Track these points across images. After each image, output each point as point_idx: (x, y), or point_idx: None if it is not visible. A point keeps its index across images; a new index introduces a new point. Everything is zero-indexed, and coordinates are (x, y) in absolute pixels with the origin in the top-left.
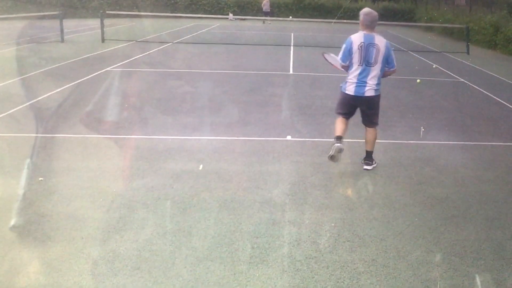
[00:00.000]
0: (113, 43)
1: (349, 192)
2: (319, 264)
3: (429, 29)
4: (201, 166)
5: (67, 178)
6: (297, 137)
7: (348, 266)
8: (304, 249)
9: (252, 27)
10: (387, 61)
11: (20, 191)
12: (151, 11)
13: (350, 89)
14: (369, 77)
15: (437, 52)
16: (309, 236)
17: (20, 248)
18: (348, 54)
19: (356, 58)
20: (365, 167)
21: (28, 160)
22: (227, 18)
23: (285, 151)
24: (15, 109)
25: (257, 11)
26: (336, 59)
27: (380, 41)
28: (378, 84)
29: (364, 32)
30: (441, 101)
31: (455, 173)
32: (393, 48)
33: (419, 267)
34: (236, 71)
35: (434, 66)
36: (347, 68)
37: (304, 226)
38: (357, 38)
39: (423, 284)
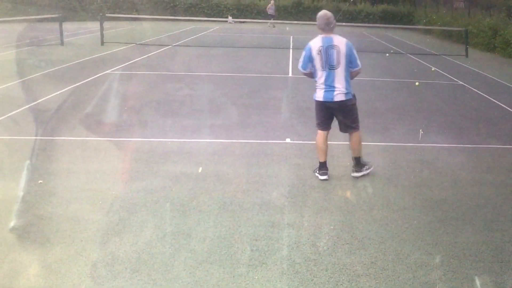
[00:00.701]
0: (113, 46)
1: (348, 194)
2: (318, 267)
3: (427, 32)
4: (200, 169)
5: (67, 181)
6: (296, 140)
7: (347, 268)
8: (303, 252)
9: (251, 30)
10: (350, 61)
11: (20, 194)
12: (151, 14)
13: (320, 96)
14: (336, 80)
15: (436, 55)
16: (308, 239)
17: (19, 250)
18: (308, 61)
19: (318, 63)
20: (353, 174)
21: (27, 163)
22: (226, 21)
23: (284, 154)
24: (15, 111)
25: (256, 14)
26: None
27: (340, 42)
28: (347, 87)
29: (322, 35)
30: (439, 103)
31: (454, 176)
32: (354, 48)
33: (418, 270)
34: (235, 73)
35: (433, 69)
36: (310, 75)
37: (303, 228)
38: (315, 43)
39: (422, 286)
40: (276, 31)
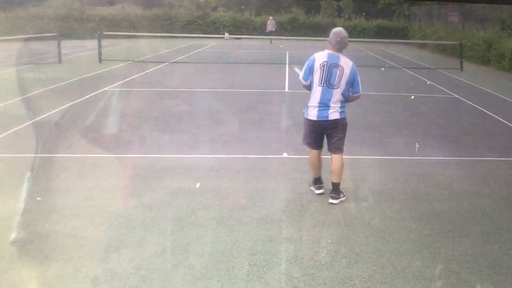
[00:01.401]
0: (111, 63)
1: (345, 208)
2: (316, 281)
3: (422, 46)
4: (198, 184)
5: (65, 198)
6: (293, 154)
7: (345, 282)
8: (301, 266)
9: (247, 46)
10: (351, 85)
11: (19, 211)
12: (148, 31)
13: (313, 114)
14: (332, 99)
15: (430, 68)
16: (306, 253)
17: (18, 267)
18: (309, 72)
19: (317, 77)
20: (331, 201)
21: (26, 180)
22: (223, 38)
23: (282, 168)
24: (13, 129)
25: (252, 30)
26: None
27: (346, 63)
28: (342, 107)
29: (330, 51)
30: (435, 117)
31: (451, 189)
32: (358, 74)
33: (416, 283)
34: (232, 89)
35: (428, 83)
36: (308, 87)
37: (301, 242)
38: (320, 56)
39: None
40: (272, 46)
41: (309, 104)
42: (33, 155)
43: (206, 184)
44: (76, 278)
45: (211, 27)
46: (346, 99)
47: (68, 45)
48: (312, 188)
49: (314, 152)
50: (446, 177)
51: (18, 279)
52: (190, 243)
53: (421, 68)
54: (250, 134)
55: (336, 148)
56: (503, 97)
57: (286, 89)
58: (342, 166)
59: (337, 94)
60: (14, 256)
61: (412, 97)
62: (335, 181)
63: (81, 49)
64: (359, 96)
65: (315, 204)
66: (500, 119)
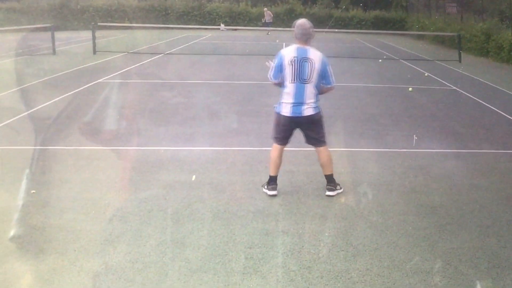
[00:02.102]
0: (105, 54)
1: (343, 201)
2: (313, 274)
3: (420, 37)
4: (194, 177)
5: (60, 190)
6: (290, 147)
7: (342, 275)
8: (298, 259)
9: (243, 37)
10: (323, 77)
11: (13, 204)
12: (143, 23)
13: (286, 111)
14: (305, 95)
15: (429, 60)
16: (303, 246)
17: (12, 260)
18: (279, 70)
19: (288, 74)
20: (328, 193)
21: (20, 173)
22: (219, 29)
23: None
24: (7, 121)
25: (248, 21)
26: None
27: (315, 56)
28: (316, 101)
29: (298, 45)
30: (433, 109)
31: (449, 181)
32: (329, 64)
33: (414, 276)
34: (228, 81)
35: (426, 74)
36: (279, 85)
37: (298, 236)
38: (288, 52)
39: None
40: (269, 38)
41: (282, 101)
42: (27, 147)
43: (202, 177)
44: (71, 271)
45: (207, 18)
46: (319, 91)
47: (62, 36)
48: (265, 190)
49: (278, 147)
50: (445, 169)
51: (12, 272)
52: (186, 236)
53: (419, 60)
54: (246, 126)
55: (317, 141)
56: (502, 89)
57: None
58: (329, 158)
59: (310, 89)
60: (9, 249)
61: (410, 89)
62: (327, 173)
63: (75, 41)
64: (332, 88)
65: (311, 197)
66: (499, 111)
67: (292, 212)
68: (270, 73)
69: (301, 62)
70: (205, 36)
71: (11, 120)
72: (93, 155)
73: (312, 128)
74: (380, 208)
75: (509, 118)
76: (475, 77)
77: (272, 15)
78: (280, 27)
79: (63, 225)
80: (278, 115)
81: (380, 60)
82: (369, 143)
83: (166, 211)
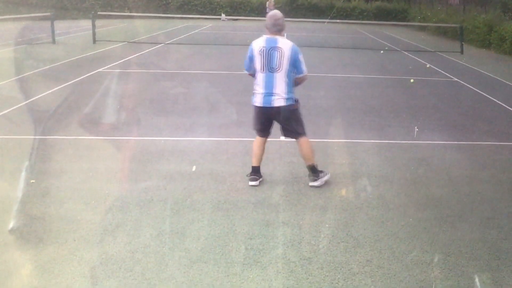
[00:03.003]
0: (105, 44)
1: (344, 192)
2: (313, 265)
3: (422, 28)
4: (194, 167)
5: (59, 180)
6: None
7: (343, 267)
8: (299, 250)
9: (244, 27)
10: (294, 65)
11: (12, 193)
12: (143, 12)
13: (258, 101)
14: (275, 84)
15: (430, 51)
16: (303, 237)
17: (12, 250)
18: (250, 61)
19: (258, 64)
20: (311, 183)
21: (20, 162)
22: (220, 19)
23: (279, 152)
24: (6, 111)
25: (250, 11)
26: None
27: (285, 44)
28: (288, 92)
29: (267, 36)
30: (435, 100)
31: (450, 173)
32: (301, 53)
33: (414, 268)
34: (229, 71)
35: (427, 66)
36: (252, 75)
37: (298, 227)
38: (258, 42)
39: (418, 284)
40: None
41: (254, 91)
42: (27, 137)
43: (202, 168)
44: (70, 261)
45: (207, 8)
46: (293, 82)
47: (61, 25)
48: (248, 179)
49: (259, 139)
50: (445, 161)
51: (12, 262)
52: (186, 227)
53: (420, 51)
54: (247, 117)
55: (293, 132)
56: (504, 80)
57: None
58: (309, 149)
59: (280, 78)
60: (8, 239)
61: (412, 80)
62: (308, 164)
63: (75, 30)
64: (304, 77)
65: (312, 189)
66: (501, 103)
67: (292, 203)
68: (245, 66)
69: (269, 51)
70: (205, 26)
71: (11, 109)
72: (93, 145)
73: (285, 120)
74: (380, 199)
75: (511, 110)
76: (477, 69)
77: (275, 5)
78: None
79: (63, 215)
80: (253, 106)
81: (381, 51)
82: (370, 135)
83: (166, 202)
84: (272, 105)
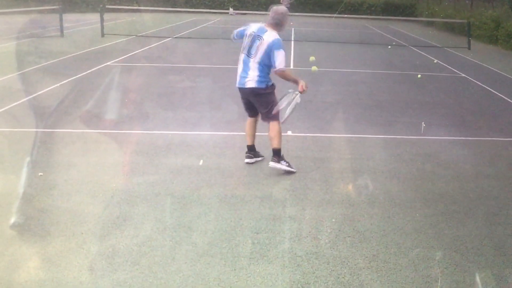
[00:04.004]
0: (113, 37)
1: (350, 187)
2: (319, 260)
3: (430, 24)
4: (201, 161)
5: (67, 173)
6: (297, 133)
7: (348, 261)
8: (305, 245)
9: (252, 21)
10: (269, 58)
11: (20, 186)
12: (151, 6)
13: (237, 81)
14: (248, 68)
15: (438, 47)
16: (309, 232)
17: (19, 243)
18: (241, 34)
19: (243, 44)
20: (270, 163)
21: (27, 155)
22: (228, 13)
23: (286, 146)
24: (14, 103)
25: (258, 6)
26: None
27: (269, 36)
28: (260, 76)
29: (263, 25)
30: (442, 96)
31: (456, 169)
32: (281, 49)
33: (420, 263)
34: (236, 66)
35: (435, 61)
36: (232, 41)
37: (304, 221)
38: (253, 26)
39: (424, 280)
40: None
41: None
42: (35, 130)
43: (209, 162)
44: (78, 254)
45: (215, 2)
46: (268, 70)
47: (70, 18)
48: (245, 158)
49: (249, 119)
50: (452, 157)
51: (19, 255)
52: (193, 221)
53: (428, 47)
54: None
55: (264, 116)
56: (511, 77)
57: (292, 66)
58: (277, 133)
59: (253, 64)
60: (15, 232)
61: (419, 75)
62: (273, 147)
63: (83, 23)
64: (276, 71)
65: (318, 183)
66: (508, 99)
67: (299, 198)
68: (235, 33)
69: (254, 38)
70: (213, 20)
71: (19, 102)
72: (100, 139)
73: (257, 102)
74: (387, 195)
75: None
76: (484, 65)
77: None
78: (289, 12)
79: (70, 208)
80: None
81: (389, 47)
82: (377, 130)
83: (173, 195)
84: (244, 86)
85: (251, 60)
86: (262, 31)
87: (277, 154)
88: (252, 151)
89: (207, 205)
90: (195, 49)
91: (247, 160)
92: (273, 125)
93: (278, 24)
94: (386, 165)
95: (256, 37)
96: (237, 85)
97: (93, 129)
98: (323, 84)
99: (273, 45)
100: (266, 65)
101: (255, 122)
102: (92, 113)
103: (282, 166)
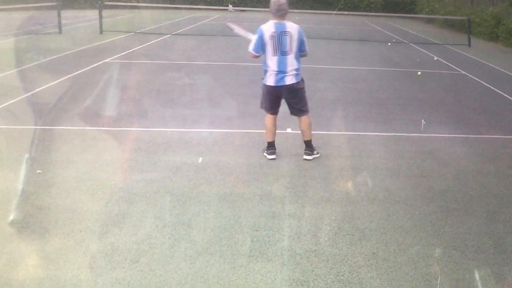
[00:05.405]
0: (112, 34)
1: (349, 185)
2: (319, 258)
3: (430, 21)
4: (200, 159)
5: (66, 171)
6: (297, 130)
7: (348, 259)
8: (304, 243)
9: (252, 18)
10: (300, 46)
11: (18, 184)
12: (150, 2)
13: (271, 80)
14: (286, 65)
15: (438, 44)
16: (309, 230)
17: (18, 241)
18: (260, 44)
19: (269, 48)
20: (305, 157)
21: (26, 153)
22: (227, 10)
23: (285, 144)
24: (12, 101)
25: (257, 2)
26: (248, 35)
27: (292, 28)
28: (297, 69)
29: (274, 21)
30: (442, 93)
31: (456, 166)
32: (305, 35)
33: (420, 261)
34: (235, 63)
35: (435, 59)
36: (257, 57)
37: (304, 219)
38: (267, 27)
39: (424, 277)
40: None
41: (267, 70)
42: (33, 127)
43: (208, 159)
44: (76, 251)
45: None
46: (300, 61)
47: (68, 15)
48: (265, 153)
49: (270, 116)
50: (452, 154)
51: (18, 252)
52: (192, 218)
53: (428, 44)
54: (253, 108)
55: (299, 110)
56: (511, 74)
57: None
58: (309, 125)
59: (291, 59)
60: (14, 229)
61: (419, 73)
62: (306, 139)
63: (82, 20)
64: (305, 54)
65: (318, 181)
66: (508, 96)
67: (298, 195)
68: (252, 47)
69: (280, 36)
70: (212, 17)
71: (17, 99)
72: (99, 136)
73: (294, 98)
74: (386, 192)
75: None
76: (485, 62)
77: None
78: (292, 9)
79: (69, 205)
80: (265, 85)
81: (389, 44)
82: (377, 127)
83: (172, 193)
84: (285, 83)
85: (288, 56)
86: (281, 26)
87: (310, 146)
88: (274, 147)
89: (206, 202)
90: (194, 46)
91: (272, 157)
92: (305, 118)
93: (285, 13)
94: (386, 162)
95: (281, 34)
96: (273, 84)
97: (91, 127)
98: (322, 81)
99: (301, 33)
100: (298, 55)
101: (276, 118)
102: (90, 110)
103: (315, 155)
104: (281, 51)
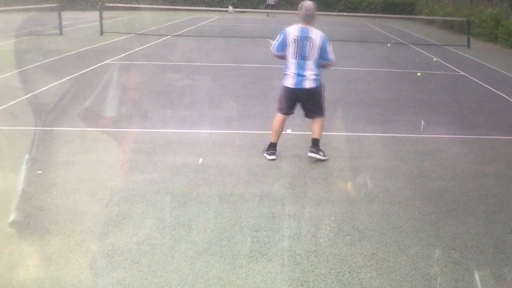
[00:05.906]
0: (112, 35)
1: (349, 185)
2: (319, 258)
3: (429, 22)
4: (200, 160)
5: (66, 172)
6: (297, 131)
7: (348, 260)
8: (304, 243)
9: (251, 19)
10: (322, 54)
11: (19, 185)
12: (150, 4)
13: (290, 82)
14: (306, 69)
15: (437, 45)
16: (309, 230)
17: (19, 241)
18: (282, 45)
19: (290, 51)
20: (309, 154)
21: (26, 153)
22: (227, 11)
23: (285, 145)
24: (13, 102)
25: (257, 4)
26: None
27: (316, 35)
28: (316, 74)
29: (301, 25)
30: (441, 94)
31: (455, 167)
32: (330, 42)
33: (419, 261)
34: (235, 64)
35: (434, 60)
36: (281, 57)
37: (304, 220)
38: (292, 30)
39: (423, 278)
40: (276, 20)
41: (286, 73)
42: (33, 128)
43: (208, 160)
44: (77, 252)
45: (214, 0)
46: (321, 67)
47: (68, 16)
48: (265, 154)
49: (282, 117)
50: (451, 155)
51: (19, 253)
52: (192, 219)
53: (427, 45)
54: (253, 109)
55: (315, 114)
56: (510, 75)
57: None
58: (322, 126)
59: (310, 65)
60: (14, 230)
61: (419, 74)
62: (315, 137)
63: (82, 21)
64: (331, 63)
65: (318, 181)
66: (507, 97)
67: (298, 196)
68: (274, 46)
69: (302, 40)
70: (212, 18)
71: (18, 100)
72: (99, 137)
73: (312, 101)
74: (386, 193)
75: None
76: (484, 63)
77: None
78: (288, 10)
79: (69, 206)
80: (284, 87)
81: (388, 45)
82: (376, 128)
83: (172, 194)
84: (303, 87)
85: (308, 62)
86: (306, 31)
87: (316, 145)
88: (275, 148)
89: (206, 203)
90: (194, 47)
91: (272, 157)
92: (320, 120)
93: (312, 19)
94: (385, 163)
95: (304, 39)
96: (292, 86)
97: (92, 127)
98: None
99: (326, 41)
100: (318, 62)
101: (285, 120)
102: (91, 111)
103: (320, 156)
104: (300, 55)
